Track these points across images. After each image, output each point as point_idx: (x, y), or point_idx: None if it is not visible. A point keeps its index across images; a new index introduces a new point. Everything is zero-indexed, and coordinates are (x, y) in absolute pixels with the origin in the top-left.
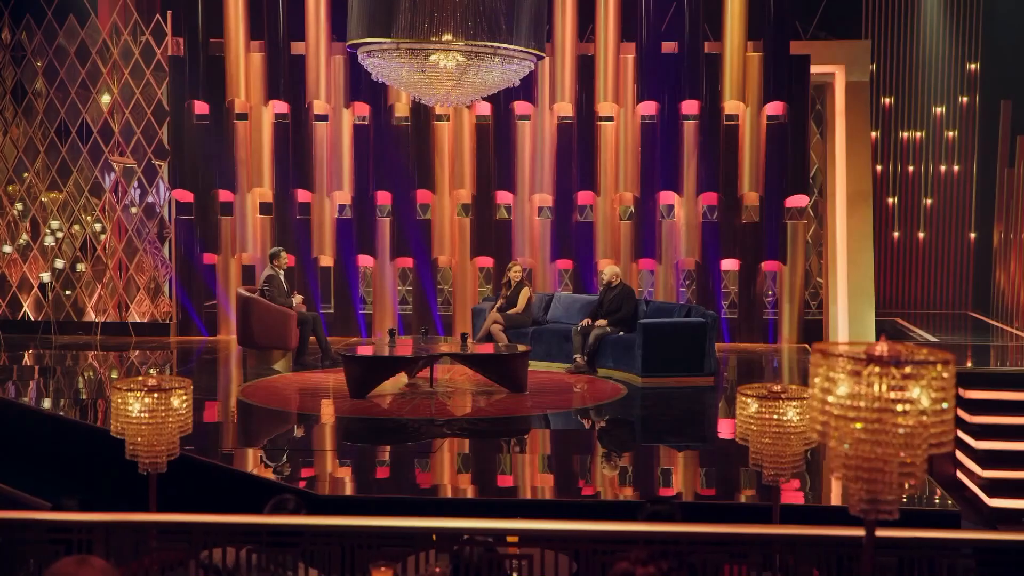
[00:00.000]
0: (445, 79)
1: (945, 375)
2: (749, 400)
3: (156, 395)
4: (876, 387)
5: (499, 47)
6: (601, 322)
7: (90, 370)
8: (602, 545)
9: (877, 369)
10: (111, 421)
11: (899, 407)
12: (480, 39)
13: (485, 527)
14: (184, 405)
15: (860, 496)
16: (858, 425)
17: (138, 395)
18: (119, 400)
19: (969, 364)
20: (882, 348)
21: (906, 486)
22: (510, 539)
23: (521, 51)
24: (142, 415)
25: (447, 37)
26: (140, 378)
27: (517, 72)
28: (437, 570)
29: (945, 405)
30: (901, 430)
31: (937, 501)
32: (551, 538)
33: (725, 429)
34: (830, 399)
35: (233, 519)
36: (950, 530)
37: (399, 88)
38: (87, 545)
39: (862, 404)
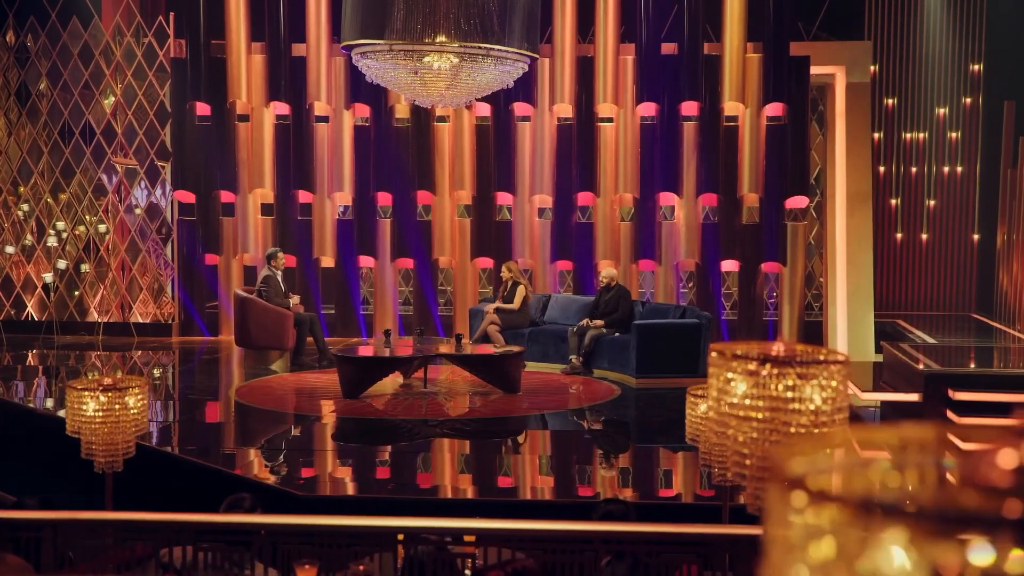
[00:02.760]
0: (439, 80)
1: (839, 375)
2: (698, 400)
3: (111, 394)
4: (772, 387)
5: (492, 48)
6: (598, 322)
7: (93, 370)
8: (560, 544)
9: (774, 369)
10: (66, 421)
11: (793, 406)
12: (473, 40)
13: (442, 526)
14: (139, 404)
15: (756, 494)
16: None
17: (93, 394)
18: (73, 399)
19: (958, 367)
20: (778, 348)
21: None
22: (467, 538)
23: (514, 52)
24: (96, 414)
25: (441, 39)
26: (95, 377)
27: (511, 73)
28: (361, 568)
29: (840, 404)
30: (794, 429)
31: None
32: (508, 538)
33: None
34: (727, 399)
35: (186, 518)
36: None
37: (393, 89)
38: (35, 544)
39: (759, 404)
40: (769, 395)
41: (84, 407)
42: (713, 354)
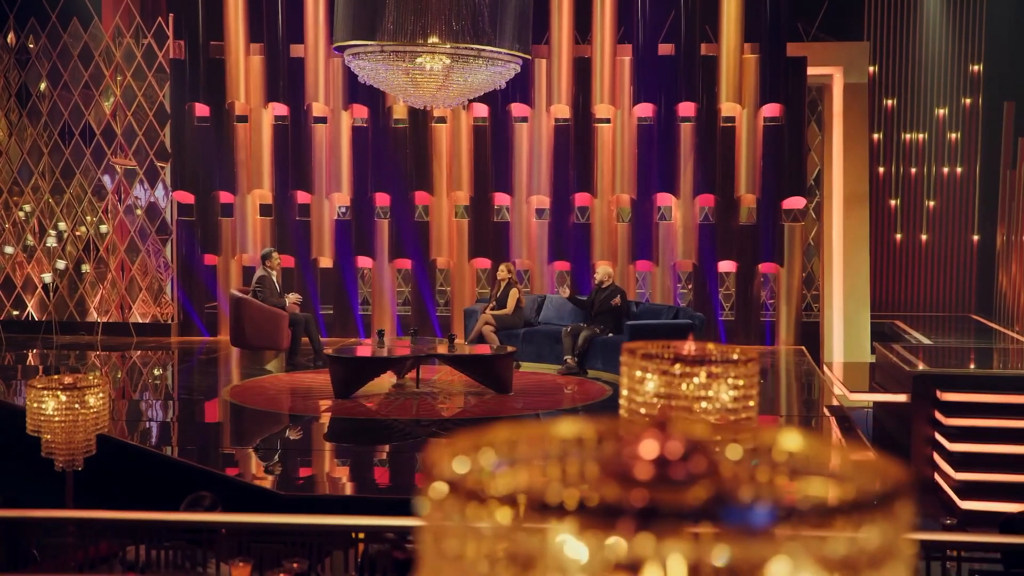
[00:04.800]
0: (430, 81)
1: (749, 374)
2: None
3: (71, 393)
4: (682, 385)
5: (483, 49)
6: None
7: (93, 369)
8: None
9: (686, 368)
10: (27, 420)
11: (703, 404)
12: (464, 41)
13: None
14: (100, 403)
15: None
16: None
17: (52, 393)
18: (33, 398)
19: (947, 368)
20: (689, 347)
21: None
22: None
23: (506, 53)
24: (55, 413)
25: (433, 39)
26: (56, 376)
27: (502, 74)
28: (295, 566)
29: (751, 404)
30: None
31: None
32: None
33: None
34: (638, 397)
35: (146, 516)
36: None
37: (385, 90)
38: None
39: (669, 404)
40: (679, 394)
41: (44, 406)
42: (624, 354)
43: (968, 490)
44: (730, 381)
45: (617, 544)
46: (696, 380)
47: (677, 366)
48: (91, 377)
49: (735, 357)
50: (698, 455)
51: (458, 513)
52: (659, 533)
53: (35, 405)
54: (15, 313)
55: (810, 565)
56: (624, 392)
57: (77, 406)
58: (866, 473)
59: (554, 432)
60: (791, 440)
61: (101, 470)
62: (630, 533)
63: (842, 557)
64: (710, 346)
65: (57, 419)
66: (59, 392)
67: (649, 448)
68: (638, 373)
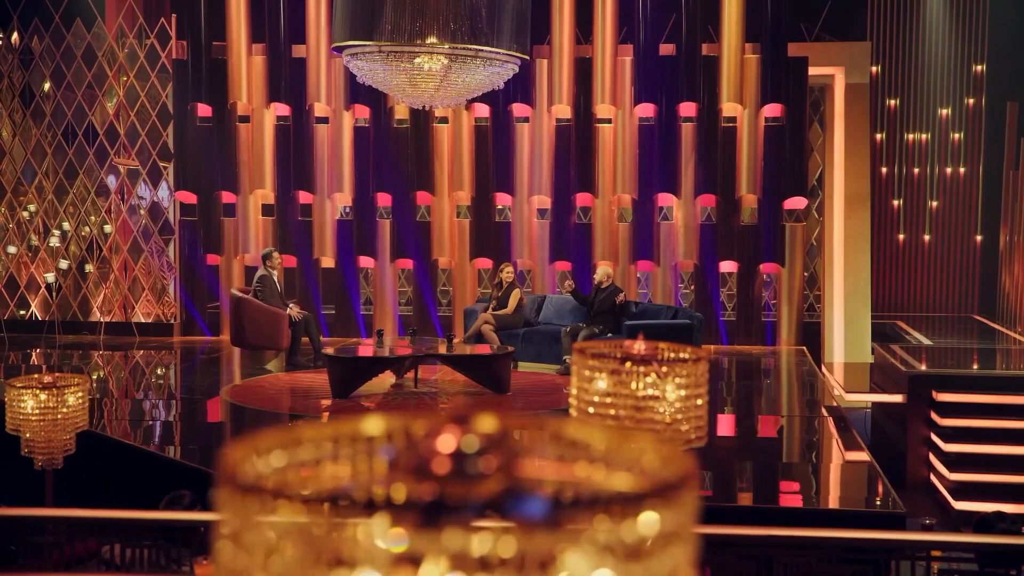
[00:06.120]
0: (429, 82)
1: (698, 372)
2: None
3: (50, 392)
4: (632, 384)
5: (481, 49)
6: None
7: (97, 369)
8: None
9: (637, 367)
10: (6, 418)
11: (653, 404)
12: (462, 41)
13: None
14: (80, 402)
15: None
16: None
17: (32, 392)
18: (13, 397)
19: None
20: (639, 346)
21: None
22: None
23: (504, 53)
24: (35, 411)
25: (431, 40)
26: (36, 376)
27: (500, 74)
28: None
29: (700, 402)
30: (656, 426)
31: (879, 502)
32: None
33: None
34: (587, 397)
35: (124, 515)
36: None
37: (383, 90)
38: None
39: (619, 402)
40: (628, 393)
41: (23, 404)
42: (575, 354)
43: (963, 491)
44: (678, 380)
45: (400, 537)
46: (648, 379)
47: (627, 365)
48: (72, 376)
49: (684, 356)
50: (496, 449)
51: (254, 511)
52: (445, 526)
53: (14, 404)
54: (21, 313)
55: (595, 553)
56: (574, 391)
57: (56, 405)
58: (655, 462)
59: (359, 429)
60: (580, 432)
61: (83, 467)
62: (414, 527)
63: (626, 544)
64: (662, 345)
65: (35, 418)
66: (38, 391)
67: (447, 443)
68: (587, 372)
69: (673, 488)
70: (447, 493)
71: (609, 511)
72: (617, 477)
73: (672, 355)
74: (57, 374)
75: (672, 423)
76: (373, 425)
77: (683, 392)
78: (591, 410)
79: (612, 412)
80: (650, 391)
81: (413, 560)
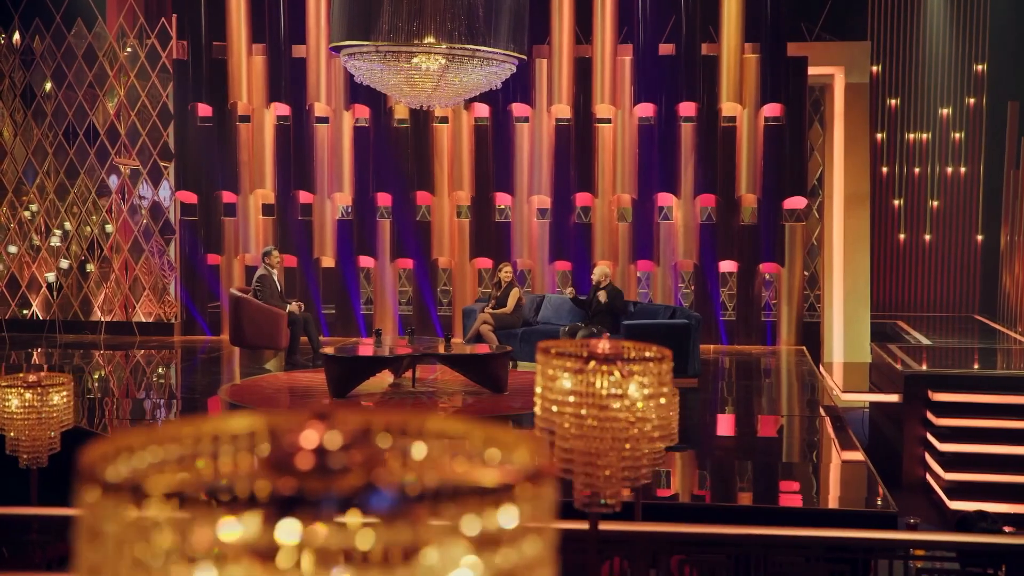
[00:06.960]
0: (426, 81)
1: (662, 371)
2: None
3: (35, 391)
4: (596, 383)
5: (478, 49)
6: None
7: (98, 370)
8: None
9: (601, 367)
10: None
11: (616, 403)
12: (459, 41)
13: None
14: (64, 401)
15: (581, 490)
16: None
17: (16, 391)
18: None
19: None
20: (604, 346)
21: (629, 479)
22: None
23: (501, 53)
24: (19, 410)
25: (428, 39)
26: (21, 375)
27: (498, 74)
28: None
29: (663, 400)
30: (619, 425)
31: (880, 502)
32: None
33: (710, 431)
34: (551, 396)
35: None
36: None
37: (381, 90)
38: None
39: (583, 400)
40: (592, 392)
41: (8, 403)
42: (538, 353)
43: (958, 491)
44: (640, 380)
45: (252, 531)
46: (612, 377)
47: (592, 364)
48: (57, 376)
49: (648, 355)
50: (359, 444)
51: (112, 510)
52: (301, 520)
53: None
54: (23, 312)
55: (452, 544)
56: (538, 390)
57: (41, 404)
58: (515, 455)
59: (222, 427)
60: (442, 424)
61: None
62: (270, 521)
63: (483, 535)
64: (626, 344)
65: (19, 417)
66: (23, 390)
67: (310, 439)
68: (551, 371)
69: (531, 480)
70: (306, 488)
71: (467, 504)
72: (483, 472)
73: (636, 354)
74: (42, 373)
75: (635, 422)
76: (237, 423)
77: (647, 391)
78: (555, 408)
79: (575, 411)
80: (614, 390)
81: (269, 555)
